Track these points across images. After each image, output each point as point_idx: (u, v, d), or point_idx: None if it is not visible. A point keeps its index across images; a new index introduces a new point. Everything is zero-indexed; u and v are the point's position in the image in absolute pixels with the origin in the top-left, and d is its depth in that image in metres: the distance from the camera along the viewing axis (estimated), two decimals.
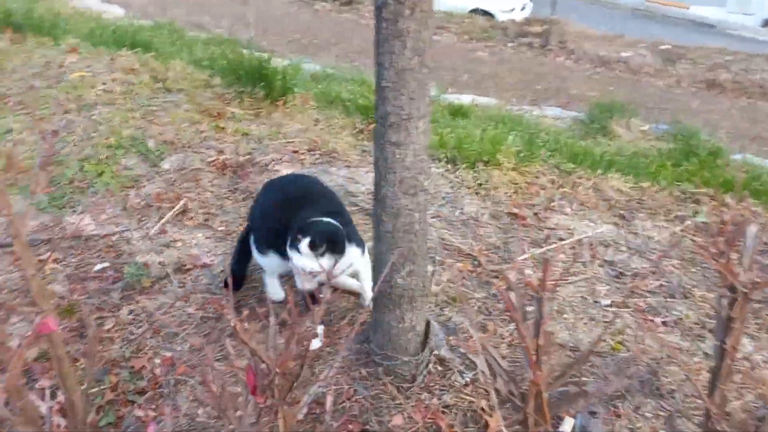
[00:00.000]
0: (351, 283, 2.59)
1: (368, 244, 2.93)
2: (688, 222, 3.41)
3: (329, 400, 1.25)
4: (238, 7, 10.80)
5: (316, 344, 2.36)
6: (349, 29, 11.98)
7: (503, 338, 2.47)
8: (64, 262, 2.69)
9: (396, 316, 2.15)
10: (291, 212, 2.28)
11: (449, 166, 3.79)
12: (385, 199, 1.99)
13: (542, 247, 3.09)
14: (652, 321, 2.65)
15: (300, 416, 1.20)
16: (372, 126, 4.26)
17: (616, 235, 3.26)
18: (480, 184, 3.60)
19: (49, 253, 2.67)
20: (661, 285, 2.88)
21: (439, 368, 2.29)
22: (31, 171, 3.09)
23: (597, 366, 2.38)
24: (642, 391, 2.28)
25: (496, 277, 2.84)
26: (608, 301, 2.76)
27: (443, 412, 2.14)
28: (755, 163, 4.60)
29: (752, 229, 1.23)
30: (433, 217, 3.22)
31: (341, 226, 2.24)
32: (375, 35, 1.82)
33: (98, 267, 2.69)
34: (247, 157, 3.59)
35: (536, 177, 3.77)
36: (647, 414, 2.17)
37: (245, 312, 2.51)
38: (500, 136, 3.99)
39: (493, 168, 3.73)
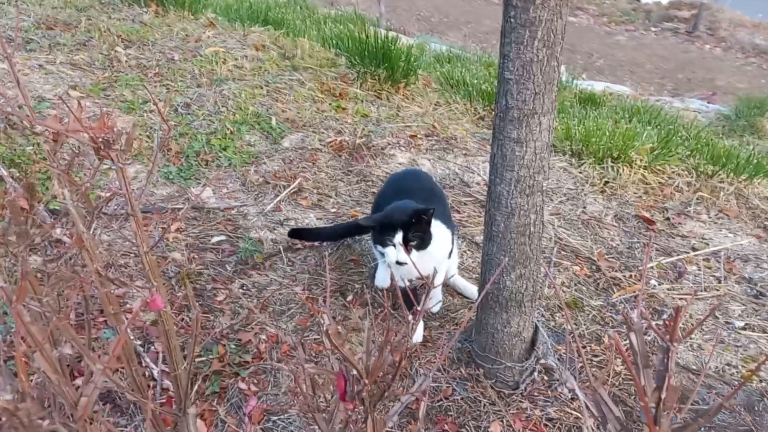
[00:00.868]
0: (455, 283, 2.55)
1: (479, 239, 2.83)
2: None
3: (422, 408, 1.18)
4: None
5: (416, 339, 2.32)
6: (480, 8, 11.70)
7: (619, 353, 2.29)
8: (186, 232, 2.81)
9: (502, 319, 2.05)
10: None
11: (573, 160, 3.57)
12: (499, 198, 1.88)
13: (672, 256, 2.83)
14: None
15: (390, 424, 1.15)
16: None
17: (758, 249, 2.92)
18: (606, 182, 3.36)
19: (173, 222, 2.80)
20: None
21: (545, 378, 2.17)
22: (152, 144, 3.26)
23: (722, 395, 2.15)
24: None
25: (617, 284, 2.64)
26: (742, 323, 2.49)
27: (545, 426, 2.02)
28: None
29: None
30: (551, 215, 3.04)
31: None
32: (502, 22, 1.70)
33: (216, 239, 2.79)
34: (363, 139, 3.58)
35: (670, 178, 3.46)
36: None
37: (349, 297, 2.52)
38: (633, 132, 3.69)
39: (623, 165, 3.46)
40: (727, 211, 3.23)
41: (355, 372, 1.08)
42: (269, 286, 2.57)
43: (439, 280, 2.39)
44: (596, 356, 2.28)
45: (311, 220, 2.94)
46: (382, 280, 2.54)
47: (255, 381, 2.21)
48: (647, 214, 3.12)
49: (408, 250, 2.09)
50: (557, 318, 2.45)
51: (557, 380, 2.15)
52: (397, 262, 2.09)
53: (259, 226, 2.87)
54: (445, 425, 2.05)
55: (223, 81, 3.93)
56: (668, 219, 3.13)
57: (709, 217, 3.18)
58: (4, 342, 2.21)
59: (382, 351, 1.10)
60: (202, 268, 2.63)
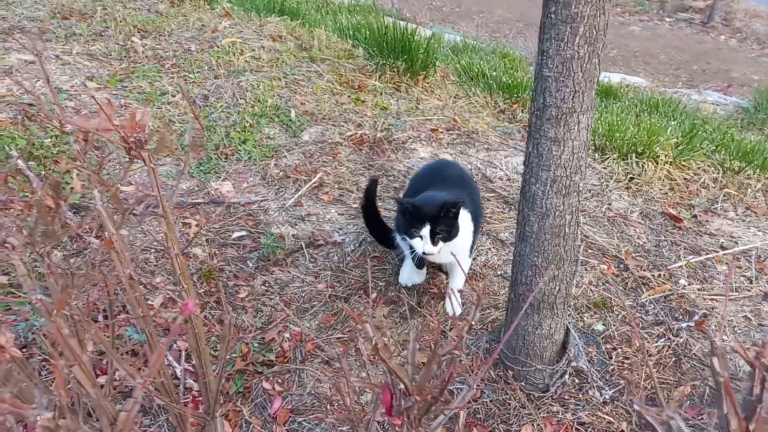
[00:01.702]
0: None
1: (504, 235, 2.78)
2: None
3: (462, 417, 1.14)
4: None
5: (457, 312, 2.39)
6: None
7: (650, 355, 2.25)
8: (206, 227, 2.78)
9: (534, 321, 2.00)
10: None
11: (597, 155, 3.51)
12: (534, 198, 1.83)
13: (700, 255, 2.77)
14: None
15: None
16: (515, 106, 4.05)
17: None
18: (631, 178, 3.29)
19: (196, 218, 2.77)
20: None
21: (576, 381, 2.12)
22: (180, 139, 3.22)
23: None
24: None
25: (645, 284, 2.58)
26: None
27: (577, 430, 1.98)
28: None
29: None
30: None
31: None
32: (541, 18, 1.64)
33: (236, 234, 2.76)
34: (384, 133, 3.52)
35: (696, 174, 3.39)
36: None
37: (373, 296, 2.48)
38: (658, 127, 3.62)
39: (648, 160, 3.39)
40: (754, 208, 3.16)
41: (402, 386, 1.05)
42: (291, 283, 2.53)
43: (465, 266, 2.44)
44: (627, 359, 2.23)
45: (332, 215, 2.90)
46: (407, 278, 2.50)
47: (279, 381, 2.18)
48: (674, 212, 3.05)
49: (435, 243, 2.15)
50: (585, 318, 2.40)
51: (588, 383, 2.11)
52: (424, 254, 2.18)
53: (281, 222, 2.83)
54: (474, 429, 2.02)
55: (241, 72, 3.87)
56: (695, 216, 3.07)
57: (737, 215, 3.11)
58: (26, 340, 2.19)
59: (430, 364, 1.06)
60: (223, 265, 2.60)
